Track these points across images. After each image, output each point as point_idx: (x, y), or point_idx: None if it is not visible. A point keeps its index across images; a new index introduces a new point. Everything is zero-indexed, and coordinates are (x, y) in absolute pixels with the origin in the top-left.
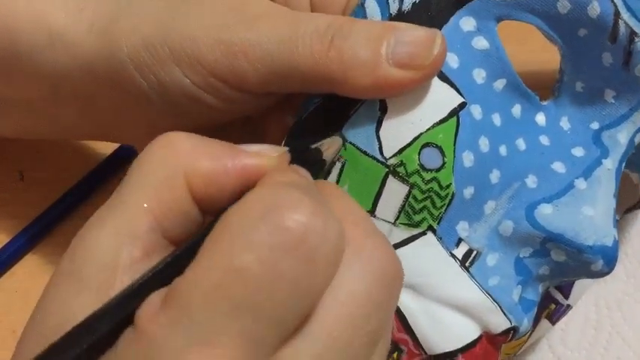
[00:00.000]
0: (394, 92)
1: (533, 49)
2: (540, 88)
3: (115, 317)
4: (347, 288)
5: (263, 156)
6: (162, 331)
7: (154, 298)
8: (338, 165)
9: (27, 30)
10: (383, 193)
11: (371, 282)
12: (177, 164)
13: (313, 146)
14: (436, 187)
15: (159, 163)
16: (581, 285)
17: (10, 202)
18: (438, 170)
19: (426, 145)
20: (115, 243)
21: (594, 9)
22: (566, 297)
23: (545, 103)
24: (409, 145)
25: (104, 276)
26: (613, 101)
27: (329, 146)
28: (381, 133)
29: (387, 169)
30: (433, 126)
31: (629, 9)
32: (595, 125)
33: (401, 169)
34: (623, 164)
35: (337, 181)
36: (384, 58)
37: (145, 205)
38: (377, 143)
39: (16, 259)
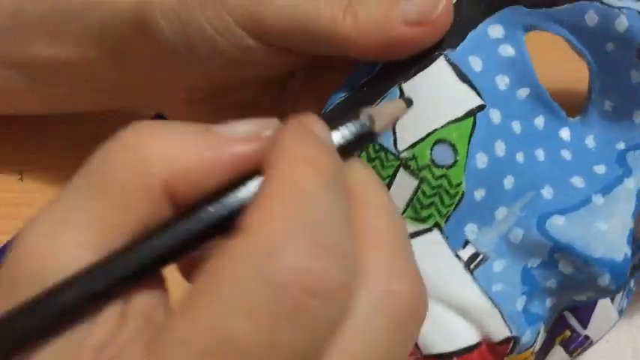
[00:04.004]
0: (403, 51)
1: (555, 58)
2: (561, 99)
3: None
4: (355, 339)
5: (254, 139)
6: None
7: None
8: None
9: None
10: (393, 186)
11: (385, 325)
12: (152, 175)
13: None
14: (446, 185)
15: (128, 175)
16: (602, 318)
17: (10, 202)
18: (449, 167)
19: (439, 141)
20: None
21: (622, 23)
22: (584, 326)
23: (572, 119)
24: (423, 139)
25: None
26: None
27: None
28: (397, 126)
29: (398, 162)
30: (448, 123)
31: None
32: (621, 145)
33: (412, 163)
34: None
35: None
36: (395, 20)
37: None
38: (392, 136)
39: None
